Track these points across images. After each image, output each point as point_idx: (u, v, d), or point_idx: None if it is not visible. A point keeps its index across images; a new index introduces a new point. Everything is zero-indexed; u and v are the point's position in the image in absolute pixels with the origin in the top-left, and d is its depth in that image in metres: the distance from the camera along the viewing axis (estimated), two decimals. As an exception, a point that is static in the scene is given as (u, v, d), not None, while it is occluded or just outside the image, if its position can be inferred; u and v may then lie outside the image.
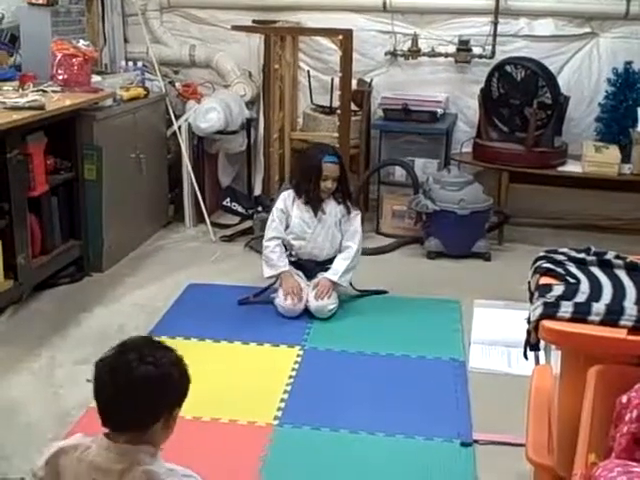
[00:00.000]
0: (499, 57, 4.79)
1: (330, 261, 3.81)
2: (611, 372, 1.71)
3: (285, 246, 3.81)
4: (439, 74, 5.04)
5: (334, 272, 3.74)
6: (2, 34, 4.10)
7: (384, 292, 3.98)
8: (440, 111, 4.83)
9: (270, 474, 2.53)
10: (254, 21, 5.01)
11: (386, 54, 5.02)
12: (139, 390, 1.60)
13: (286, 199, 3.80)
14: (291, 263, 3.82)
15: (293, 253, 3.82)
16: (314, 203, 3.75)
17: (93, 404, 2.91)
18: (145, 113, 4.60)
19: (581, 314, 1.80)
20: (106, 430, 1.66)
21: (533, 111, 4.54)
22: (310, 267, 3.83)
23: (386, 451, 2.67)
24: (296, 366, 3.24)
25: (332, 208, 3.78)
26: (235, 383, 3.10)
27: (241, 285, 4.00)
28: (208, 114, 4.73)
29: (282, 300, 3.68)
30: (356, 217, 3.83)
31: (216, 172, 5.21)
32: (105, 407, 1.63)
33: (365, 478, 2.55)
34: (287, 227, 3.80)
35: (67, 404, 2.88)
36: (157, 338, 1.81)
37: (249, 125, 5.05)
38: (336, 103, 4.76)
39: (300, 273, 3.81)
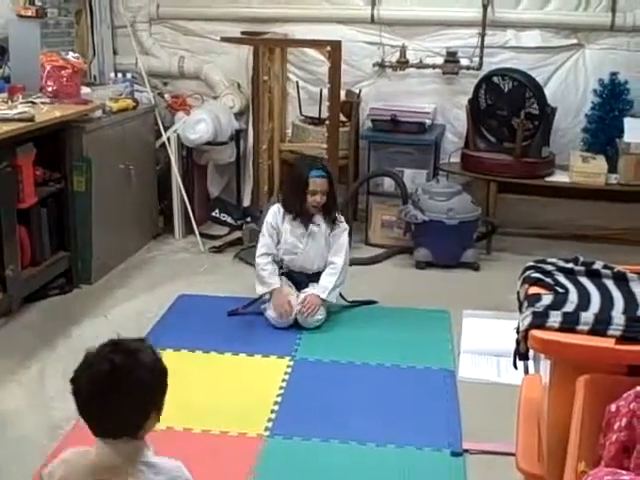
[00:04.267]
0: (486, 68, 4.83)
1: (321, 273, 3.82)
2: (600, 381, 1.72)
3: (276, 261, 3.80)
4: (427, 85, 5.07)
5: (322, 289, 3.73)
6: (-9, 46, 4.11)
7: (373, 302, 3.99)
8: (428, 122, 4.85)
9: (261, 485, 2.53)
10: (243, 33, 5.03)
11: (374, 65, 5.05)
12: (125, 399, 1.60)
13: (276, 214, 3.79)
14: (282, 274, 3.83)
15: (284, 265, 3.82)
16: (303, 218, 3.74)
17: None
18: (134, 124, 4.61)
19: (570, 324, 1.81)
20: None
21: (520, 122, 4.57)
22: (301, 279, 3.84)
23: (377, 461, 2.67)
24: (286, 377, 3.24)
25: (321, 222, 3.78)
26: (225, 394, 3.09)
27: (231, 296, 4.00)
28: (197, 125, 4.74)
29: (272, 312, 3.69)
30: (343, 232, 3.82)
31: (205, 183, 5.22)
32: (93, 420, 1.64)
33: (356, 488, 2.55)
34: (278, 242, 3.79)
35: (57, 416, 2.86)
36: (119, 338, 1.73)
37: (238, 136, 5.06)
38: (325, 114, 4.77)
39: (291, 284, 3.82)
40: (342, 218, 3.88)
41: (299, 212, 3.73)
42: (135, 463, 1.64)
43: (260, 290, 3.75)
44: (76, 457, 1.70)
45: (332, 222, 3.78)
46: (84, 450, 1.69)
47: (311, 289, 3.78)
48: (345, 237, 3.83)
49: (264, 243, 3.77)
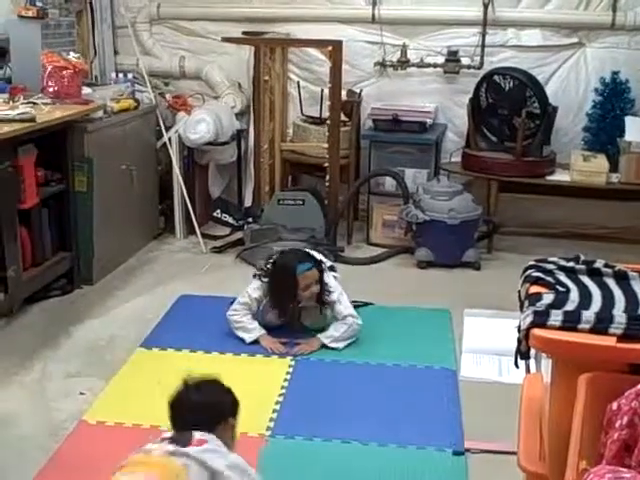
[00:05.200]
0: (487, 67, 4.83)
1: None
2: (601, 380, 1.72)
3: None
4: (428, 84, 5.07)
5: (327, 336, 3.50)
6: (-8, 47, 4.11)
7: (369, 304, 3.96)
8: (429, 121, 4.85)
9: (263, 485, 2.53)
10: (244, 33, 5.03)
11: (375, 65, 5.05)
12: (197, 411, 2.13)
13: (261, 298, 3.58)
14: None
15: None
16: (292, 316, 3.58)
17: (85, 416, 2.91)
18: (135, 125, 4.61)
19: (571, 322, 1.81)
20: None
21: (522, 121, 4.57)
22: None
23: (379, 461, 2.67)
24: (288, 377, 3.24)
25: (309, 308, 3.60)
26: (227, 394, 3.09)
27: (232, 296, 3.97)
28: (198, 125, 4.74)
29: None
30: (334, 294, 3.53)
31: (206, 183, 5.22)
32: (178, 422, 2.15)
33: (358, 488, 2.55)
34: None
35: (59, 417, 2.87)
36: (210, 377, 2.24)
37: (239, 136, 5.06)
38: (326, 114, 4.78)
39: None
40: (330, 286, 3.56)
41: (291, 314, 3.57)
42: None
43: (249, 338, 3.53)
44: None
45: (320, 305, 3.56)
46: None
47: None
48: (340, 307, 3.53)
49: (243, 306, 3.57)
